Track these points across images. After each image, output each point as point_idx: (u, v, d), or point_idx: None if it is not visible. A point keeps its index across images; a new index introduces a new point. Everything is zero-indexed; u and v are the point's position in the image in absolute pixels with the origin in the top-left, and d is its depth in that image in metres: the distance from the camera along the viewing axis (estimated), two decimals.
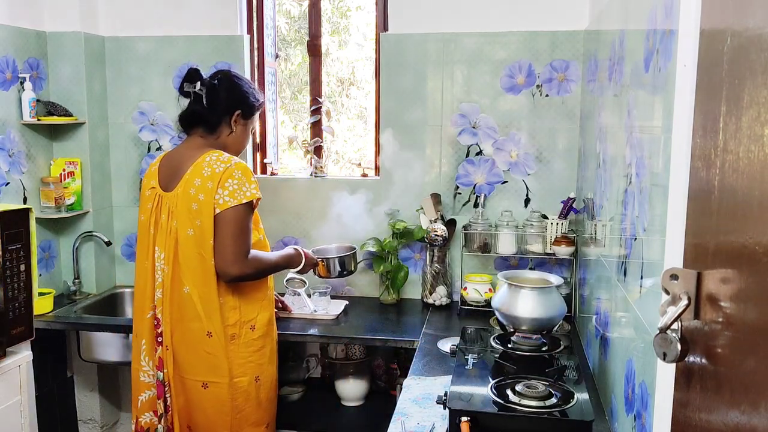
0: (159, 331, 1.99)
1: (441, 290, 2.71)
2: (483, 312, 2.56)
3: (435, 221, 2.66)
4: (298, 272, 2.29)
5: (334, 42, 3.75)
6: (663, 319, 0.91)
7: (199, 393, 1.96)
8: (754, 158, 0.73)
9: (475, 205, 2.73)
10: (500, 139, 2.70)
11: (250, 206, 1.94)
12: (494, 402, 1.45)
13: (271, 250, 2.21)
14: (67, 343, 2.90)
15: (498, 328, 1.96)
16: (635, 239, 1.39)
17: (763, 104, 0.71)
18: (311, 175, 2.91)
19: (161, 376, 2.00)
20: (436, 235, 2.61)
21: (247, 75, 2.86)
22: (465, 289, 2.62)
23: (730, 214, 0.81)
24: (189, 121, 2.05)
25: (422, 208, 2.71)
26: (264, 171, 3.04)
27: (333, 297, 2.73)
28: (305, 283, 2.61)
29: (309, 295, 2.60)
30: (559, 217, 2.54)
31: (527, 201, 2.72)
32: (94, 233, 2.86)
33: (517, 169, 2.71)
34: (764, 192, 0.71)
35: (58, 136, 2.84)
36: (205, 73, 2.10)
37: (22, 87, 2.64)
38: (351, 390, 2.76)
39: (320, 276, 2.42)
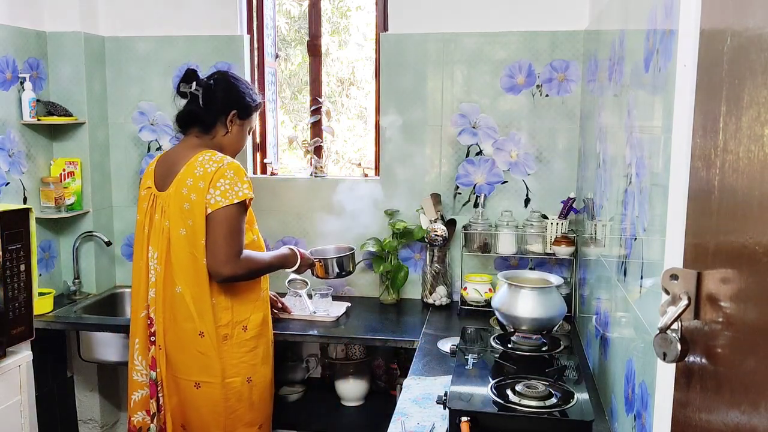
0: (152, 330, 2.00)
1: (441, 290, 2.71)
2: (483, 312, 2.56)
3: (435, 221, 2.66)
4: (295, 272, 2.27)
5: (334, 42, 3.75)
6: (663, 319, 0.91)
7: (192, 393, 1.96)
8: (754, 158, 0.73)
9: (475, 205, 2.73)
10: (500, 139, 2.70)
11: (242, 206, 1.93)
12: (494, 402, 1.45)
13: (271, 250, 2.21)
14: (67, 343, 2.90)
15: (498, 328, 1.96)
16: (635, 239, 1.39)
17: (763, 104, 0.71)
18: (311, 175, 2.91)
19: (154, 376, 2.00)
20: (436, 235, 2.61)
21: (247, 75, 2.86)
22: (465, 289, 2.62)
23: (730, 214, 0.81)
24: (185, 121, 2.06)
25: (422, 208, 2.71)
26: (264, 171, 3.04)
27: (334, 297, 2.71)
28: (307, 284, 2.61)
29: (310, 297, 2.59)
30: (559, 217, 2.54)
31: (527, 201, 2.72)
32: (94, 233, 2.86)
33: (517, 169, 2.71)
34: (764, 192, 0.71)
35: (58, 136, 2.84)
36: (205, 73, 2.11)
37: (22, 87, 2.64)
38: (351, 390, 2.76)
39: (318, 277, 2.41)
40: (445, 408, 1.46)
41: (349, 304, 2.65)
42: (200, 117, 2.02)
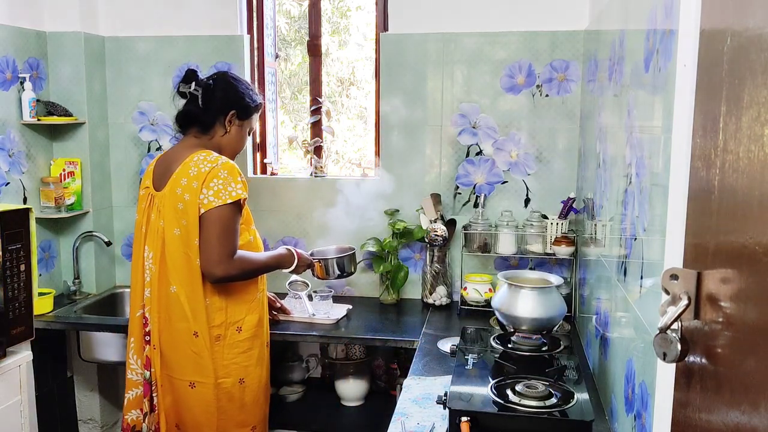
0: (147, 329, 2.00)
1: (441, 290, 2.71)
2: (483, 312, 2.56)
3: (435, 221, 2.66)
4: (292, 273, 2.24)
5: (334, 42, 3.76)
6: (663, 319, 0.91)
7: (186, 392, 1.96)
8: (754, 158, 0.73)
9: (475, 205, 2.73)
10: (500, 139, 2.70)
11: (236, 206, 1.92)
12: (494, 402, 1.45)
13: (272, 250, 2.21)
14: (67, 343, 2.90)
15: (498, 328, 1.96)
16: (635, 239, 1.39)
17: (763, 104, 0.71)
18: (311, 175, 2.91)
19: (147, 375, 2.00)
20: (436, 235, 2.61)
21: (247, 75, 2.86)
22: (465, 289, 2.62)
23: (730, 214, 0.81)
24: (184, 121, 2.06)
25: (422, 208, 2.71)
26: (264, 171, 3.04)
27: (335, 298, 2.68)
28: (307, 285, 2.60)
29: (310, 298, 2.58)
30: (559, 217, 2.54)
31: (527, 201, 2.72)
32: (94, 233, 2.86)
33: (517, 169, 2.71)
34: (764, 192, 0.71)
35: (58, 136, 2.84)
36: (206, 73, 2.11)
37: (22, 87, 2.64)
38: (351, 390, 2.76)
39: (318, 277, 2.39)
40: (445, 408, 1.46)
41: (350, 307, 2.63)
42: (199, 117, 2.02)
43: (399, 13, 2.73)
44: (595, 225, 2.05)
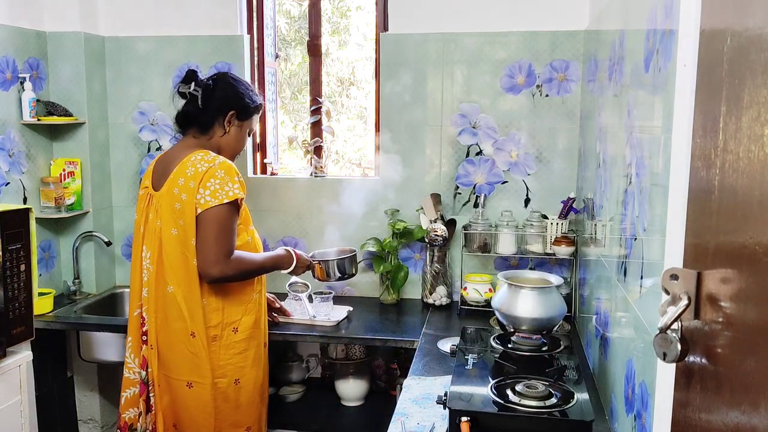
0: (144, 329, 2.00)
1: (441, 290, 2.71)
2: (483, 312, 2.56)
3: (435, 221, 2.66)
4: (291, 273, 2.22)
5: (334, 42, 3.76)
6: (663, 319, 0.91)
7: (184, 392, 1.96)
8: (754, 158, 0.73)
9: (475, 205, 2.73)
10: (500, 139, 2.71)
11: (233, 206, 1.91)
12: (494, 402, 1.45)
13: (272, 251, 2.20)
14: (67, 343, 2.90)
15: (498, 328, 1.96)
16: (635, 239, 1.39)
17: (763, 104, 0.71)
18: (311, 175, 2.91)
19: (143, 375, 2.00)
20: (436, 235, 2.61)
21: (247, 75, 2.86)
22: (465, 289, 2.62)
23: (730, 214, 0.81)
24: (183, 122, 2.06)
25: (422, 208, 2.71)
26: (264, 171, 3.04)
27: (336, 298, 2.66)
28: (308, 286, 2.59)
29: (311, 299, 2.58)
30: (559, 217, 2.54)
31: (527, 201, 2.72)
32: (94, 233, 2.86)
33: (517, 169, 2.71)
34: (764, 192, 0.71)
35: (58, 136, 2.84)
36: (206, 74, 2.11)
37: (22, 87, 2.64)
38: (351, 390, 2.76)
39: (319, 279, 2.38)
40: (445, 408, 1.46)
41: (351, 308, 2.62)
42: (198, 117, 2.02)
43: (399, 13, 2.73)
44: (595, 225, 2.05)
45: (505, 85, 2.68)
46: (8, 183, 2.58)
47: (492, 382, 1.54)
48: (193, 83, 2.02)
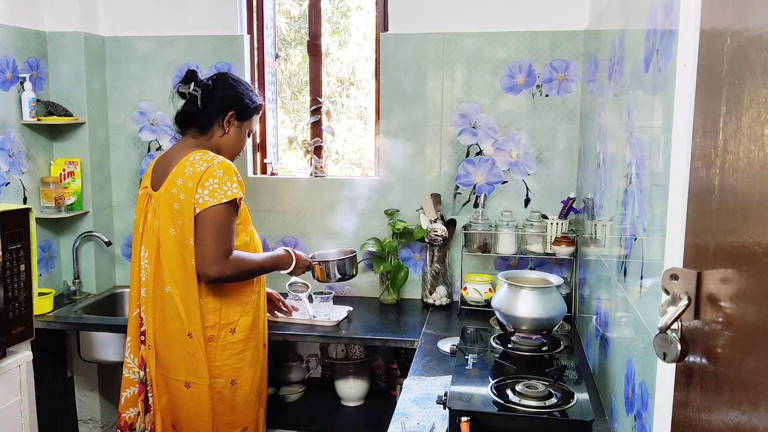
0: (142, 329, 2.00)
1: (441, 290, 2.71)
2: (483, 312, 2.56)
3: (435, 221, 2.66)
4: (290, 274, 2.22)
5: (334, 42, 3.76)
6: (663, 319, 0.91)
7: (182, 393, 1.96)
8: (754, 158, 0.73)
9: (475, 205, 2.73)
10: (500, 139, 2.71)
11: (232, 206, 1.91)
12: (494, 402, 1.45)
13: (272, 251, 2.20)
14: (67, 343, 2.90)
15: (498, 328, 1.96)
16: (635, 239, 1.39)
17: (763, 104, 0.71)
18: (311, 175, 2.91)
19: (141, 375, 2.00)
20: (436, 235, 2.61)
21: (247, 75, 2.86)
22: (465, 289, 2.62)
23: (730, 214, 0.81)
24: (183, 122, 2.06)
25: (422, 208, 2.71)
26: (264, 171, 3.04)
27: (336, 299, 2.66)
28: (308, 287, 2.59)
29: (311, 300, 2.58)
30: (559, 217, 2.54)
31: (527, 201, 2.72)
32: (94, 233, 2.86)
33: (517, 169, 2.71)
34: (764, 192, 0.71)
35: (58, 136, 2.84)
36: (206, 74, 2.11)
37: (22, 87, 2.64)
38: (351, 390, 2.76)
39: (319, 280, 2.37)
40: (445, 408, 1.46)
41: (351, 308, 2.61)
42: (197, 118, 2.02)
43: (399, 13, 2.73)
44: (595, 225, 2.05)
45: (505, 85, 2.68)
46: (8, 183, 2.58)
47: (492, 382, 1.54)
48: (192, 83, 2.02)
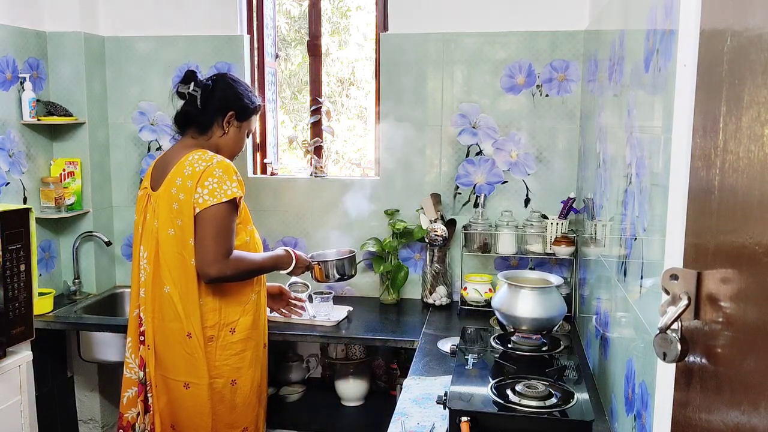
0: (141, 329, 2.00)
1: (441, 290, 2.71)
2: (483, 312, 2.56)
3: (435, 221, 2.66)
4: (290, 274, 2.21)
5: (334, 42, 3.76)
6: (663, 319, 0.91)
7: (181, 393, 1.96)
8: (754, 158, 0.73)
9: (475, 205, 2.73)
10: (500, 139, 2.71)
11: (231, 205, 1.91)
12: (494, 402, 1.45)
13: (271, 251, 2.20)
14: (67, 343, 2.90)
15: (498, 328, 1.96)
16: (635, 239, 1.39)
17: (763, 104, 0.71)
18: (311, 175, 2.91)
19: (141, 376, 2.00)
20: (436, 235, 2.61)
21: (247, 75, 2.86)
22: (465, 289, 2.62)
23: (730, 214, 0.81)
24: (182, 122, 2.05)
25: (422, 208, 2.71)
26: (264, 171, 3.04)
27: (336, 299, 2.66)
28: (308, 287, 2.59)
29: (311, 300, 2.58)
30: (559, 217, 2.54)
31: (527, 201, 2.72)
32: (94, 233, 2.86)
33: (517, 169, 2.71)
34: (764, 192, 0.71)
35: (58, 136, 2.84)
36: (206, 74, 2.11)
37: (22, 87, 2.64)
38: (351, 390, 2.76)
39: (318, 280, 2.37)
40: (445, 408, 1.46)
41: (351, 308, 2.61)
42: (197, 118, 2.02)
43: (399, 13, 2.73)
44: (595, 225, 2.05)
45: (505, 85, 2.68)
46: (8, 183, 2.58)
47: (492, 382, 1.54)
48: (192, 83, 2.02)
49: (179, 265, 1.92)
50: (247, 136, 2.14)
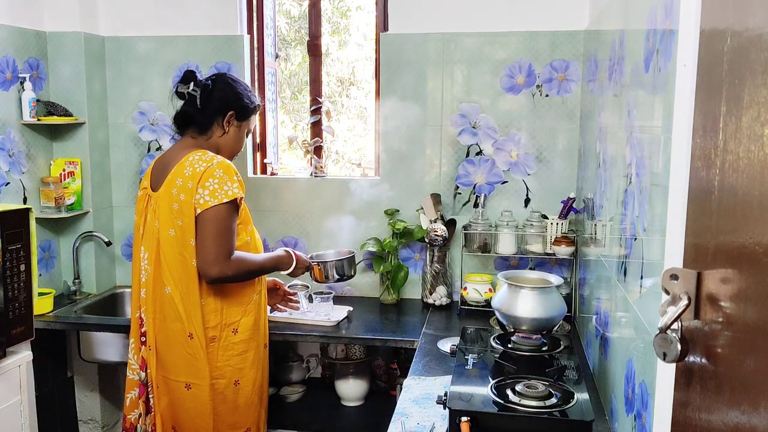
0: (143, 330, 2.00)
1: (441, 290, 2.71)
2: (483, 312, 2.56)
3: (435, 221, 2.66)
4: (290, 275, 2.21)
5: (334, 42, 3.76)
6: (663, 319, 0.91)
7: (182, 394, 1.96)
8: (754, 158, 0.73)
9: (475, 205, 2.73)
10: (500, 139, 2.71)
11: (232, 205, 1.91)
12: (494, 402, 1.45)
13: (272, 251, 2.20)
14: (67, 343, 2.90)
15: (498, 328, 1.96)
16: (635, 239, 1.39)
17: (763, 104, 0.71)
18: (311, 175, 2.91)
19: (143, 377, 2.00)
20: (436, 235, 2.61)
21: (247, 75, 2.86)
22: (465, 289, 2.62)
23: (730, 214, 0.81)
24: (182, 122, 2.05)
25: (422, 208, 2.71)
26: (264, 171, 3.04)
27: (336, 299, 2.66)
28: (307, 287, 2.60)
29: (311, 300, 2.58)
30: (559, 217, 2.54)
31: (527, 201, 2.72)
32: (94, 233, 2.86)
33: (517, 169, 2.71)
34: (764, 192, 0.71)
35: (58, 136, 2.84)
36: (206, 74, 2.11)
37: (22, 87, 2.64)
38: (351, 390, 2.76)
39: (317, 281, 2.36)
40: (445, 408, 1.46)
41: (351, 308, 2.61)
42: (196, 118, 2.02)
43: (399, 13, 2.73)
44: (595, 225, 2.05)
45: (505, 85, 2.68)
46: (8, 183, 2.58)
47: (492, 382, 1.54)
48: (191, 83, 2.02)
49: (180, 265, 1.91)
50: (246, 136, 2.14)
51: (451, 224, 2.71)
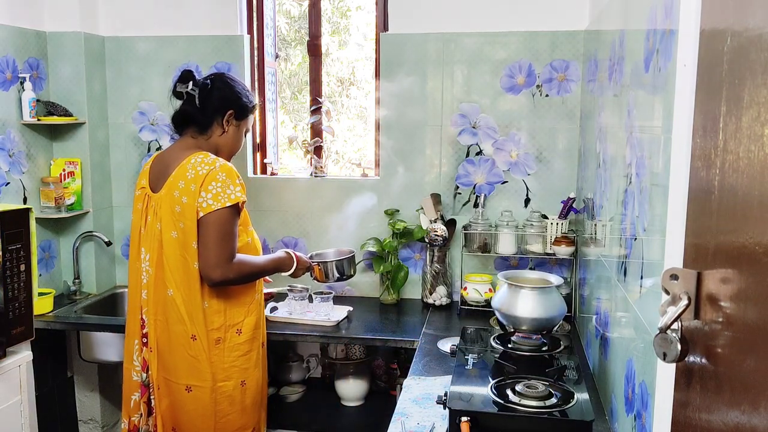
0: (144, 332, 1.99)
1: (441, 290, 2.71)
2: (483, 312, 2.56)
3: (435, 221, 2.66)
4: (291, 276, 2.21)
5: (334, 42, 3.76)
6: (663, 319, 0.91)
7: (183, 396, 1.95)
8: (754, 158, 0.73)
9: (475, 205, 2.73)
10: (500, 139, 2.71)
11: (234, 209, 1.91)
12: (494, 402, 1.45)
13: (272, 251, 2.20)
14: (67, 343, 2.90)
15: (498, 328, 1.96)
16: (635, 239, 1.39)
17: (763, 104, 0.71)
18: (311, 175, 2.91)
19: (144, 378, 2.00)
20: (436, 235, 2.61)
21: (247, 75, 2.86)
22: (465, 289, 2.62)
23: (730, 214, 0.81)
24: (181, 122, 2.05)
25: (422, 208, 2.71)
26: (264, 171, 3.04)
27: (336, 299, 2.66)
28: (307, 289, 2.59)
29: (311, 300, 2.58)
30: (559, 217, 2.54)
31: (527, 201, 2.72)
32: (94, 233, 2.86)
33: (517, 169, 2.71)
34: (764, 192, 0.71)
35: (58, 136, 2.84)
36: (206, 73, 2.10)
37: (22, 87, 2.64)
38: (351, 390, 2.76)
39: (317, 280, 2.37)
40: (445, 408, 1.46)
41: (351, 308, 2.61)
42: (196, 117, 2.01)
43: (399, 13, 2.73)
44: (595, 225, 2.05)
45: (505, 85, 2.68)
46: (8, 183, 2.58)
47: (492, 382, 1.54)
48: (190, 83, 2.02)
49: (182, 268, 1.91)
50: (245, 135, 2.14)
51: (451, 224, 2.71)
